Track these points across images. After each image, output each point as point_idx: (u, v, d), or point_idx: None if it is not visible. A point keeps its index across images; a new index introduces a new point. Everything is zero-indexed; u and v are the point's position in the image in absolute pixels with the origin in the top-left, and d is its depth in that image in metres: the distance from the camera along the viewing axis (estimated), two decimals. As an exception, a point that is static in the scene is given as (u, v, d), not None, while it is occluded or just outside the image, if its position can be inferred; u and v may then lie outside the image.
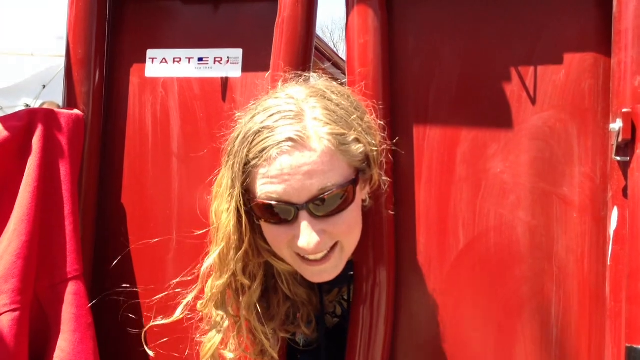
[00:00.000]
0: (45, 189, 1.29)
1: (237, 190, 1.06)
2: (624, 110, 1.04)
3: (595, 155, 1.16)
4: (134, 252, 1.41)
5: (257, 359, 1.19)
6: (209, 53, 1.41)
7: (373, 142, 1.10)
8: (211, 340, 1.16)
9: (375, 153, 1.11)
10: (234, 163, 1.06)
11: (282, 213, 1.05)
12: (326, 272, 1.13)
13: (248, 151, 1.03)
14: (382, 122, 1.19)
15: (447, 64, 1.23)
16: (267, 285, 1.21)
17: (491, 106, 1.21)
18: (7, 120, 1.33)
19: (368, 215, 1.20)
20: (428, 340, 1.22)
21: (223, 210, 1.09)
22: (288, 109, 1.04)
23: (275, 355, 1.20)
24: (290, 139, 1.01)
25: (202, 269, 1.14)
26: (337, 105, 1.07)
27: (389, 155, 1.21)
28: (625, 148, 1.07)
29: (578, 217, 1.16)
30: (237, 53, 1.39)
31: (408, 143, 1.25)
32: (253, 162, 1.03)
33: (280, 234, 1.08)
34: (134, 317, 1.38)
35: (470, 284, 1.21)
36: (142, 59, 1.45)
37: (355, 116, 1.07)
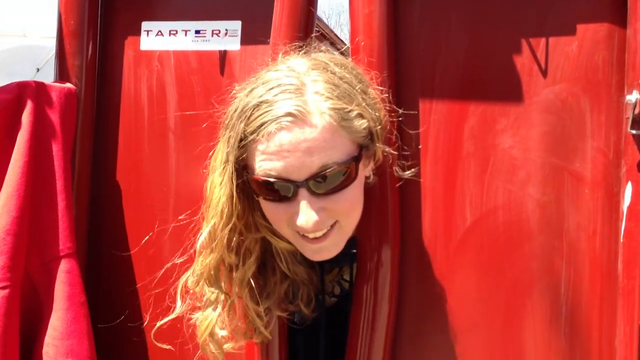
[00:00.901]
0: (36, 164, 1.25)
1: (231, 164, 1.02)
2: (641, 81, 1.00)
3: (608, 129, 1.12)
4: (130, 230, 1.37)
5: (248, 337, 1.16)
6: (207, 25, 1.36)
7: (377, 116, 1.06)
8: (207, 319, 1.12)
9: (379, 128, 1.06)
10: (230, 137, 1.02)
11: (281, 190, 1.01)
12: (326, 250, 1.09)
13: (246, 125, 0.99)
14: (387, 95, 1.15)
15: (454, 35, 1.19)
16: (265, 262, 1.17)
17: (500, 79, 1.17)
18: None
19: (372, 191, 1.16)
20: (434, 319, 1.18)
21: (216, 184, 1.05)
22: (288, 82, 0.99)
23: (268, 335, 1.16)
24: (289, 114, 0.96)
25: (197, 247, 1.10)
26: (340, 78, 1.03)
27: (394, 131, 1.17)
28: (641, 120, 1.03)
29: (590, 193, 1.12)
30: (236, 25, 1.34)
31: (414, 118, 1.20)
32: (251, 137, 0.99)
33: (279, 211, 1.04)
34: (128, 296, 1.35)
35: (478, 263, 1.17)
36: (137, 32, 1.39)
37: (358, 89, 1.03)
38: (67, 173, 1.29)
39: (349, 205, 1.06)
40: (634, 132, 1.03)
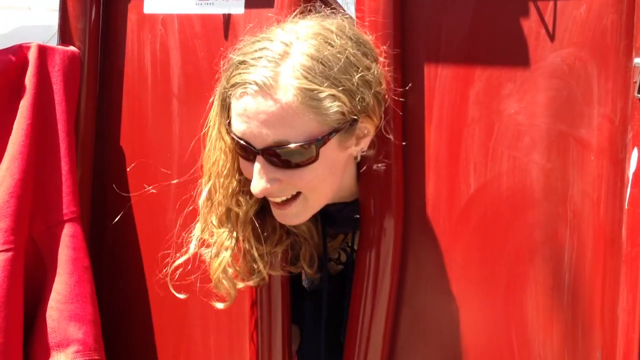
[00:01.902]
0: (39, 127, 1.24)
1: (222, 117, 1.07)
2: (650, 44, 0.99)
3: (615, 95, 1.10)
4: (134, 196, 1.37)
5: (245, 276, 1.17)
6: (211, -12, 1.34)
7: (368, 99, 1.05)
8: (219, 257, 1.14)
9: (372, 105, 1.06)
10: (220, 90, 1.07)
11: (246, 150, 1.04)
12: (288, 217, 1.11)
13: (228, 80, 1.04)
14: (390, 68, 1.14)
15: (461, -1, 1.17)
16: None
17: (507, 43, 1.15)
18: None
19: (374, 159, 1.15)
20: (436, 286, 1.18)
21: (211, 137, 1.10)
22: (274, 48, 1.01)
23: (266, 275, 1.17)
24: (255, 83, 0.99)
25: (201, 198, 1.14)
26: (338, 52, 1.02)
27: (398, 98, 1.16)
28: (651, 80, 1.02)
29: (595, 159, 1.11)
30: (241, -12, 1.33)
31: (418, 83, 1.19)
32: (229, 93, 1.04)
33: (247, 167, 1.08)
34: (132, 261, 1.35)
35: (481, 229, 1.17)
36: (140, -5, 1.38)
37: (352, 70, 1.02)
38: (70, 136, 1.28)
39: (307, 184, 1.06)
40: (641, 96, 1.02)
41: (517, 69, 1.15)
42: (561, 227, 1.13)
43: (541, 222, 1.14)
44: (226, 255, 1.13)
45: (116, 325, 1.34)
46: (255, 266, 1.15)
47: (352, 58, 1.02)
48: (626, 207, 1.07)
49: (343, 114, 1.01)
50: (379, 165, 1.15)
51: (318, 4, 1.22)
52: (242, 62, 1.02)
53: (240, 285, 1.17)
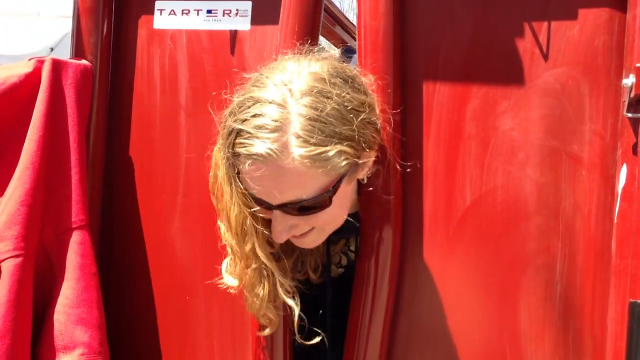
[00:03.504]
0: (51, 138, 1.29)
1: (234, 183, 1.07)
2: (638, 65, 1.03)
3: (606, 112, 1.14)
4: (142, 205, 1.42)
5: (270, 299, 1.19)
6: (218, 5, 1.39)
7: (369, 137, 1.08)
8: (259, 296, 1.16)
9: (370, 148, 1.09)
10: (224, 156, 1.07)
11: (260, 204, 1.07)
12: (306, 244, 1.16)
13: (230, 147, 1.04)
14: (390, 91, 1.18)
15: (459, 18, 1.21)
16: None
17: (503, 62, 1.19)
18: (13, 68, 1.33)
19: (374, 174, 1.19)
20: (433, 295, 1.22)
21: (227, 191, 1.10)
22: (270, 114, 1.00)
23: (289, 289, 1.19)
24: (261, 155, 1.00)
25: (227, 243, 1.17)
26: (335, 104, 1.02)
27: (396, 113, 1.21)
28: (637, 105, 1.06)
29: (587, 174, 1.15)
30: (246, 5, 1.37)
31: (417, 99, 1.24)
32: (235, 158, 1.04)
33: (264, 212, 1.10)
34: (139, 269, 1.40)
35: (476, 241, 1.21)
36: (151, 11, 1.43)
37: (351, 116, 1.03)
38: (81, 147, 1.33)
39: (325, 222, 1.11)
40: (629, 115, 1.06)
41: (512, 87, 1.19)
42: (553, 240, 1.17)
43: (534, 234, 1.18)
44: (263, 291, 1.16)
45: (122, 330, 1.38)
46: (280, 286, 1.17)
47: (348, 104, 1.03)
48: (615, 221, 1.11)
49: (350, 162, 1.04)
50: (379, 179, 1.20)
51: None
52: (241, 131, 1.01)
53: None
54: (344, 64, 1.13)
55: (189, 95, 1.40)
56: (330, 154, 1.00)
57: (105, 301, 1.30)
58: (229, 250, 1.16)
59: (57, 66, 1.33)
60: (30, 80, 1.30)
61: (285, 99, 1.01)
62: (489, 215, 1.20)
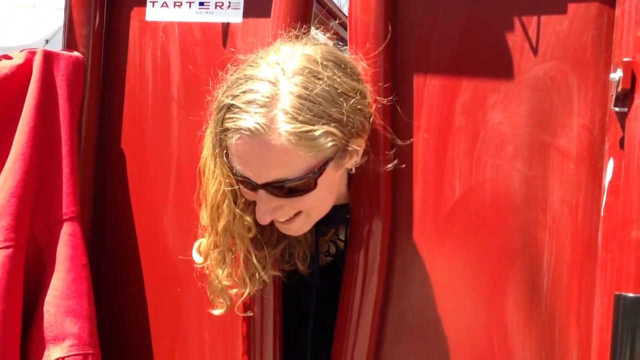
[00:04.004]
0: (43, 130, 1.30)
1: (219, 158, 1.09)
2: (625, 59, 1.04)
3: (594, 107, 1.15)
4: (134, 197, 1.42)
5: (246, 283, 1.21)
6: (210, -3, 1.39)
7: (358, 124, 1.09)
8: (217, 277, 1.19)
9: (363, 127, 1.11)
10: (212, 132, 1.09)
11: (244, 183, 1.08)
12: (292, 230, 1.17)
13: (220, 122, 1.06)
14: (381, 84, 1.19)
15: (450, 12, 1.22)
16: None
17: (493, 56, 1.20)
18: (4, 60, 1.33)
19: (365, 165, 1.20)
20: (422, 286, 1.23)
21: (209, 168, 1.12)
22: (261, 90, 1.02)
23: (267, 279, 1.22)
24: (249, 129, 1.01)
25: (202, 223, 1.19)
26: (325, 85, 1.04)
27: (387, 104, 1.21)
28: (624, 99, 1.07)
29: (574, 168, 1.16)
30: (238, -2, 1.38)
31: (408, 92, 1.24)
32: (223, 134, 1.06)
33: (247, 193, 1.12)
34: (130, 261, 1.40)
35: (465, 233, 1.22)
36: (143, 3, 1.43)
37: (341, 99, 1.04)
38: (73, 139, 1.33)
39: (309, 205, 1.12)
40: (617, 109, 1.07)
41: (502, 81, 1.20)
42: (541, 233, 1.18)
43: (522, 227, 1.19)
44: (222, 273, 1.18)
45: (113, 321, 1.39)
46: (257, 272, 1.19)
47: (339, 87, 1.05)
48: (602, 214, 1.12)
49: (337, 144, 1.05)
50: (369, 170, 1.20)
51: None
52: (232, 106, 1.03)
53: (234, 291, 1.20)
54: (338, 51, 1.14)
55: (181, 87, 1.41)
56: (317, 133, 1.01)
57: (96, 293, 1.31)
58: (208, 226, 1.18)
59: (49, 58, 1.34)
60: (22, 72, 1.31)
61: (277, 76, 1.03)
62: (478, 208, 1.21)
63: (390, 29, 1.22)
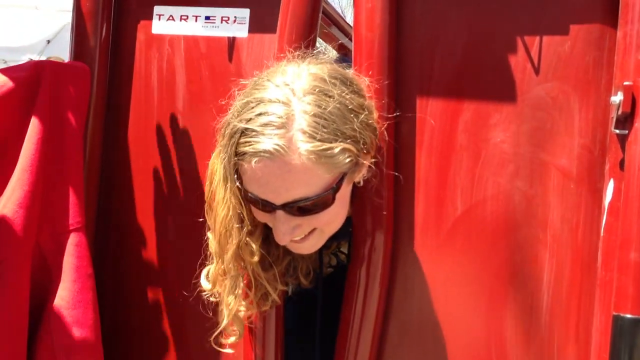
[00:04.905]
0: (50, 141, 1.31)
1: (230, 183, 1.09)
2: (626, 83, 1.05)
3: (595, 127, 1.17)
4: (137, 206, 1.44)
5: (259, 304, 1.22)
6: (216, 12, 1.41)
7: (368, 139, 1.10)
8: (229, 305, 1.19)
9: (371, 144, 1.12)
10: (224, 157, 1.08)
11: (262, 204, 1.08)
12: (305, 249, 1.18)
13: (234, 148, 1.05)
14: (384, 101, 1.21)
15: (453, 31, 1.23)
16: (269, 237, 1.22)
17: (495, 75, 1.22)
18: (12, 71, 1.34)
19: (368, 181, 1.22)
20: (422, 300, 1.25)
21: (219, 194, 1.12)
22: (275, 112, 1.03)
23: (278, 299, 1.23)
24: (268, 152, 1.01)
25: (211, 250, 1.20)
26: (336, 103, 1.05)
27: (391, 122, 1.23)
28: (625, 121, 1.08)
29: (575, 187, 1.18)
30: (244, 13, 1.39)
31: (411, 110, 1.26)
32: (237, 158, 1.05)
33: (263, 217, 1.13)
34: (134, 272, 1.42)
35: (466, 250, 1.24)
36: (149, 16, 1.45)
37: (351, 116, 1.06)
38: (78, 150, 1.35)
39: (326, 222, 1.13)
40: (617, 131, 1.09)
41: (504, 100, 1.21)
42: (541, 251, 1.19)
43: (522, 244, 1.20)
44: (233, 300, 1.19)
45: (116, 330, 1.40)
46: (268, 293, 1.21)
47: (349, 104, 1.06)
48: (602, 234, 1.13)
49: (352, 160, 1.06)
50: (372, 185, 1.22)
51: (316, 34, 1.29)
52: (247, 130, 1.02)
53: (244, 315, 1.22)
54: (342, 68, 1.16)
55: (186, 99, 1.42)
56: (336, 150, 1.03)
57: (100, 301, 1.32)
58: (216, 255, 1.19)
59: (56, 69, 1.35)
60: (30, 83, 1.32)
61: (289, 97, 1.04)
62: (478, 225, 1.23)
63: (394, 46, 1.23)
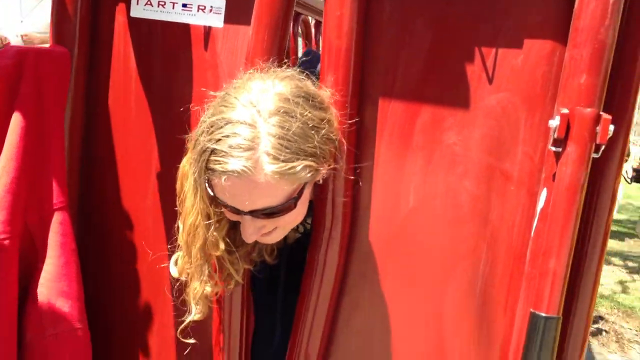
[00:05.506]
0: (33, 129, 1.39)
1: (200, 192, 1.19)
2: (562, 111, 1.16)
3: (538, 138, 1.28)
4: (118, 185, 1.54)
5: (224, 283, 1.36)
6: (193, 0, 1.46)
7: (327, 152, 1.20)
8: (195, 289, 1.32)
9: (327, 160, 1.21)
10: (195, 170, 1.17)
11: (230, 209, 1.19)
12: (267, 241, 1.30)
13: (205, 164, 1.14)
14: (350, 88, 1.30)
15: (417, 39, 1.31)
16: (235, 225, 1.33)
17: (453, 82, 1.31)
18: (-6, 58, 1.40)
19: (327, 178, 1.30)
20: (374, 281, 1.39)
21: (189, 199, 1.23)
22: (242, 134, 1.10)
23: (241, 280, 1.37)
24: (236, 172, 1.10)
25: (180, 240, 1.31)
26: (299, 122, 1.13)
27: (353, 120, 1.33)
28: (560, 142, 1.20)
29: (515, 190, 1.31)
30: (220, 3, 1.44)
31: (373, 110, 1.35)
32: (208, 173, 1.14)
33: (231, 216, 1.24)
34: (115, 246, 1.54)
35: (416, 239, 1.37)
36: (127, 0, 1.49)
37: (313, 133, 1.15)
38: (60, 135, 1.43)
39: (288, 222, 1.25)
40: (553, 149, 1.20)
41: (459, 106, 1.31)
42: (480, 244, 1.34)
43: (465, 237, 1.34)
44: (198, 285, 1.31)
45: (99, 302, 1.54)
46: (231, 275, 1.34)
47: (310, 123, 1.14)
48: (532, 236, 1.27)
49: (313, 173, 1.17)
50: (332, 182, 1.33)
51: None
52: (215, 150, 1.10)
53: (209, 291, 1.34)
54: (305, 82, 1.23)
55: (165, 83, 1.49)
56: (298, 168, 1.13)
57: (83, 275, 1.45)
58: (184, 243, 1.30)
59: (39, 56, 1.41)
60: (13, 72, 1.38)
61: (255, 119, 1.12)
62: (428, 217, 1.36)
63: (360, 52, 1.31)
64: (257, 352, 1.52)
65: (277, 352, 1.49)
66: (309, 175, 1.15)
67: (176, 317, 1.47)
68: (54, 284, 1.39)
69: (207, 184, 1.17)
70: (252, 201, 1.15)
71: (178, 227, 1.31)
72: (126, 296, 1.55)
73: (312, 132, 1.15)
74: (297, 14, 2.77)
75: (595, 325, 4.72)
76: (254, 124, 1.11)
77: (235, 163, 1.10)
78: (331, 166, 1.24)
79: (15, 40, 4.63)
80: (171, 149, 1.49)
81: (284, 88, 1.17)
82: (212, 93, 1.20)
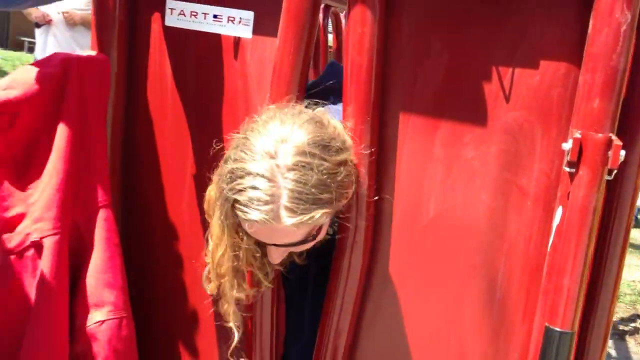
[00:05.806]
0: (78, 133, 1.50)
1: (227, 230, 1.28)
2: (575, 135, 1.17)
3: (554, 156, 1.30)
4: (156, 185, 1.65)
5: (255, 292, 1.46)
6: (223, 11, 1.52)
7: (345, 195, 1.28)
8: (227, 301, 1.41)
9: (346, 197, 1.29)
10: (220, 214, 1.25)
11: (255, 240, 1.30)
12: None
13: (230, 210, 1.22)
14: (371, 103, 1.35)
15: (435, 57, 1.33)
16: None
17: (471, 100, 1.33)
18: (42, 67, 1.50)
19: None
20: (395, 290, 1.46)
21: (216, 233, 1.31)
22: (261, 187, 1.15)
23: (270, 284, 1.47)
24: (257, 222, 1.18)
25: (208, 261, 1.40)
26: (317, 174, 1.18)
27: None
28: (573, 163, 1.21)
29: (531, 205, 1.34)
30: (249, 15, 1.50)
31: (394, 124, 1.39)
32: (233, 216, 1.23)
33: (258, 241, 1.32)
34: (154, 243, 1.66)
35: (435, 248, 1.42)
36: (162, 10, 1.56)
37: (330, 182, 1.20)
38: (103, 139, 1.54)
39: (310, 245, 1.33)
40: (567, 169, 1.22)
41: (477, 123, 1.34)
42: (498, 256, 1.38)
43: (483, 248, 1.39)
44: (231, 297, 1.39)
45: (141, 292, 1.67)
46: (261, 281, 1.43)
47: (327, 171, 1.19)
48: (549, 251, 1.31)
49: (330, 216, 1.25)
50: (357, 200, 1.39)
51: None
52: (236, 202, 1.18)
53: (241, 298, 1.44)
54: (322, 128, 1.26)
55: (198, 91, 1.58)
56: (316, 217, 1.19)
57: (126, 268, 1.57)
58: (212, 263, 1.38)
59: (81, 64, 1.51)
60: (59, 79, 1.49)
61: (274, 173, 1.17)
62: (447, 228, 1.41)
63: (380, 68, 1.35)
64: (286, 349, 1.63)
65: (305, 349, 1.59)
66: (326, 218, 1.24)
67: (215, 311, 1.58)
68: (100, 275, 1.52)
69: (231, 224, 1.26)
70: (274, 240, 1.25)
71: (207, 240, 1.40)
72: (167, 289, 1.68)
73: (329, 180, 1.21)
74: (327, 7, 2.78)
75: (633, 324, 4.61)
76: (273, 179, 1.16)
77: (256, 214, 1.17)
78: (349, 198, 1.31)
79: (56, 18, 4.72)
80: (203, 152, 1.57)
81: (302, 137, 1.20)
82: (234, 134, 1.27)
